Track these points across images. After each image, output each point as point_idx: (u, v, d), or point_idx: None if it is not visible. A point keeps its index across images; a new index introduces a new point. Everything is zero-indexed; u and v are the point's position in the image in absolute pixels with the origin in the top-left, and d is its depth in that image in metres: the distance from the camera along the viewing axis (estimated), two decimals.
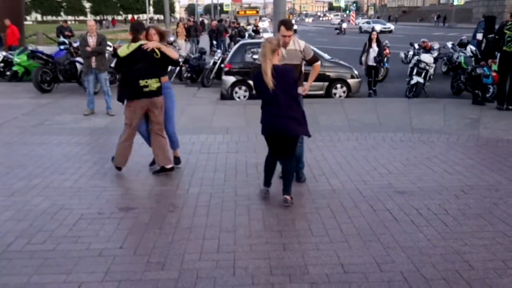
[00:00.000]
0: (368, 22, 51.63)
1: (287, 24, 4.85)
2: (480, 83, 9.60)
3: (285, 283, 3.28)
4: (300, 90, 4.82)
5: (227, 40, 22.85)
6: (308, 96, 10.51)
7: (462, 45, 13.31)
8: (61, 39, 13.32)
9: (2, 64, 13.18)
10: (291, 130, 4.44)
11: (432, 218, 4.33)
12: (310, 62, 5.12)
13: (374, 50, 11.36)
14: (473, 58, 11.95)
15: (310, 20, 77.90)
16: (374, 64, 11.33)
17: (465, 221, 4.26)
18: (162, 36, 5.46)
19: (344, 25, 48.75)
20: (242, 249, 3.75)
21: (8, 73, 13.10)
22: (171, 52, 5.35)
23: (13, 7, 17.48)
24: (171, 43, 17.09)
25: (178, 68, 13.19)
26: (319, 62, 5.21)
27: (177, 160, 5.84)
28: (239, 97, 10.86)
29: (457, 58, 13.02)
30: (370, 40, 11.45)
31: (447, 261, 3.56)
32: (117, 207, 4.61)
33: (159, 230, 4.10)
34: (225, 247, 3.79)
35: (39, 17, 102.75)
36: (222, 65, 11.90)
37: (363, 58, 11.68)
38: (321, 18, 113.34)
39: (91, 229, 4.11)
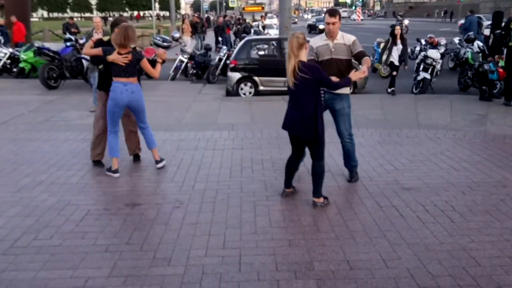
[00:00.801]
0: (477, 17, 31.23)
1: (330, 11, 4.81)
2: (487, 79, 9.55)
3: (290, 279, 3.28)
4: (362, 69, 4.46)
5: (232, 37, 22.83)
6: None
7: (469, 40, 13.22)
8: (67, 35, 13.33)
9: (8, 61, 13.22)
10: (294, 129, 4.40)
11: (438, 214, 4.31)
12: (358, 56, 4.79)
13: (398, 48, 10.31)
14: (480, 54, 11.86)
15: (309, 16, 77.48)
16: (398, 64, 10.37)
17: (472, 218, 4.24)
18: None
19: (406, 22, 35.79)
20: (247, 245, 3.75)
21: (14, 69, 13.15)
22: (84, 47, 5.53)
23: (19, 4, 17.57)
24: (176, 40, 17.12)
25: (183, 65, 13.21)
26: (367, 58, 4.75)
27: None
28: (244, 94, 10.85)
29: (464, 54, 12.94)
30: (393, 36, 10.39)
31: (454, 258, 3.54)
32: (123, 203, 4.62)
33: (165, 226, 4.11)
34: (231, 243, 3.80)
35: (45, 14, 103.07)
36: (228, 62, 11.89)
37: (384, 57, 10.53)
38: (323, 15, 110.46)
39: (98, 225, 4.13)
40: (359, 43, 4.90)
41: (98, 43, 5.42)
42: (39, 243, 3.80)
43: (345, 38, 4.84)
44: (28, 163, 5.80)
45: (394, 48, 10.36)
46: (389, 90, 10.63)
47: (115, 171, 5.38)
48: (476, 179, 5.22)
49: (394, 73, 10.59)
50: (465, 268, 3.40)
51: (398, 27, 10.51)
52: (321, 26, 51.31)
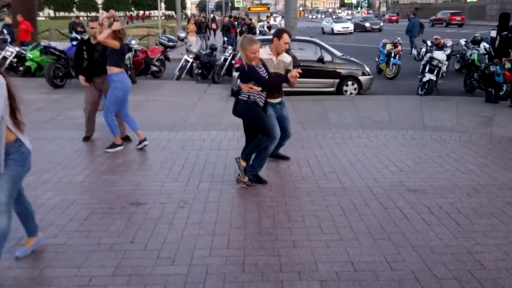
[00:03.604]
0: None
1: (289, 33, 5.27)
2: (493, 81, 9.50)
3: (294, 280, 3.27)
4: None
5: (238, 37, 22.87)
6: (318, 93, 10.53)
7: (475, 42, 13.15)
8: (74, 35, 13.43)
9: (15, 60, 13.28)
10: None
11: (443, 217, 4.29)
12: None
13: None
14: (486, 56, 11.80)
15: (323, 16, 77.69)
16: None
17: (477, 220, 4.22)
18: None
19: None
20: (252, 246, 3.75)
21: (21, 68, 13.21)
22: None
23: (26, 3, 17.64)
24: (182, 40, 17.16)
25: (189, 65, 13.22)
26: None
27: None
28: None
29: (470, 55, 12.88)
30: None
31: (459, 261, 3.52)
32: (127, 202, 4.63)
33: (169, 225, 4.11)
34: (235, 243, 3.79)
35: (51, 13, 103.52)
36: (233, 62, 11.89)
37: None
38: (312, 16, 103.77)
39: (102, 224, 4.13)
40: (292, 63, 5.40)
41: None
42: (43, 241, 3.80)
43: (285, 57, 5.31)
44: (33, 161, 5.74)
45: None
46: None
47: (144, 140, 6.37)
48: (482, 182, 5.20)
49: None
50: (470, 271, 3.38)
51: None
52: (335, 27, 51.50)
